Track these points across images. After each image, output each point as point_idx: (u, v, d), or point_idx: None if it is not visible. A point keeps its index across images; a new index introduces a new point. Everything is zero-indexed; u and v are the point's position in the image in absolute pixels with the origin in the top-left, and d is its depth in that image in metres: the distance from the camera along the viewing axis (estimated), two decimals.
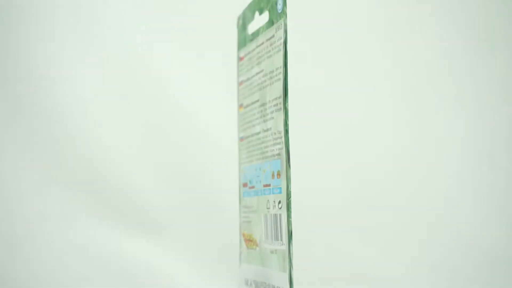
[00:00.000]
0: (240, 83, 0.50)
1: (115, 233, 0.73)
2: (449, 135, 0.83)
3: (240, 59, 0.50)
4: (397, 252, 0.75)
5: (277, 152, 0.42)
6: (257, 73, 0.46)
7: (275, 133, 0.42)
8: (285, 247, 0.41)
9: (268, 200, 0.44)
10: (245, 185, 0.49)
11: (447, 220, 0.78)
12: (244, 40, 0.49)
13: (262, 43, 0.45)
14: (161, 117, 0.77)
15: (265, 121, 0.44)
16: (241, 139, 0.50)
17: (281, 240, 0.41)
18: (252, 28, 0.50)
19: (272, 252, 0.43)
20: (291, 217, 0.40)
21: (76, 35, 0.76)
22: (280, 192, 0.42)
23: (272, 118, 0.43)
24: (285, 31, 0.41)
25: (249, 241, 0.47)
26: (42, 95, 0.75)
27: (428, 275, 0.71)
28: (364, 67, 0.79)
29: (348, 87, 0.78)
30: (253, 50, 0.47)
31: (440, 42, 0.84)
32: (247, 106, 0.48)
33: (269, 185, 0.43)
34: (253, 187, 0.47)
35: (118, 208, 0.75)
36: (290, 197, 0.41)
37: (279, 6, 0.42)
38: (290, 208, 0.40)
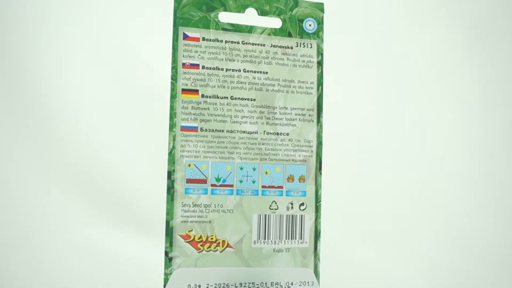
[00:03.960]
0: (192, 66, 0.46)
1: (115, 233, 0.73)
2: (447, 135, 0.80)
3: (187, 37, 0.46)
4: (396, 252, 0.75)
5: (301, 158, 0.48)
6: (250, 71, 0.47)
7: (298, 141, 0.48)
8: (307, 245, 0.48)
9: (274, 201, 0.47)
10: (197, 181, 0.46)
11: (446, 219, 0.77)
12: (204, 21, 0.46)
13: (262, 45, 0.48)
14: (160, 118, 0.67)
15: (271, 124, 0.47)
16: (191, 129, 0.45)
17: (302, 238, 0.48)
18: (232, 18, 0.46)
19: (278, 250, 0.47)
20: (320, 218, 0.49)
21: (77, 35, 0.76)
22: (304, 195, 0.48)
23: (293, 125, 0.48)
24: (321, 54, 0.49)
25: (206, 242, 0.46)
26: (42, 96, 0.75)
27: (427, 275, 0.71)
28: (355, 64, 0.78)
29: (351, 90, 0.78)
30: (233, 42, 0.47)
31: (439, 43, 0.79)
32: (216, 96, 0.46)
33: (279, 187, 0.47)
34: (229, 185, 0.46)
35: (118, 208, 0.74)
36: (320, 200, 0.49)
37: (310, 27, 0.49)
38: (320, 210, 0.49)
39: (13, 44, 0.75)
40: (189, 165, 0.44)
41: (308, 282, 0.46)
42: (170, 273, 0.43)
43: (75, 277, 0.66)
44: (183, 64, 0.44)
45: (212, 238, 0.44)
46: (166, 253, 0.43)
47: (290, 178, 0.46)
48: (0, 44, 0.75)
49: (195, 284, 0.43)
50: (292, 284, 0.45)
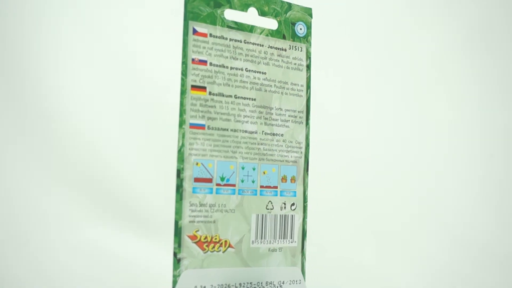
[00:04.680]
0: (200, 62, 0.45)
1: (115, 233, 0.72)
2: (447, 135, 0.80)
3: (196, 32, 0.45)
4: (395, 251, 0.75)
5: (293, 159, 0.49)
6: (249, 70, 0.47)
7: (291, 142, 0.49)
8: (296, 244, 0.50)
9: (270, 201, 0.48)
10: (204, 180, 0.45)
11: (447, 219, 0.77)
12: (211, 17, 0.46)
13: (261, 45, 0.48)
14: (161, 118, 0.75)
15: (268, 124, 0.48)
16: (198, 126, 0.44)
17: (292, 238, 0.49)
18: (236, 16, 0.46)
19: (272, 250, 0.48)
20: (306, 218, 0.51)
21: (77, 35, 0.76)
22: (295, 196, 0.49)
23: (287, 127, 0.49)
24: (309, 58, 0.51)
25: (210, 243, 0.45)
26: (43, 96, 0.75)
27: (428, 274, 0.72)
28: (356, 65, 0.79)
29: (347, 89, 0.79)
30: (236, 40, 0.47)
31: (439, 44, 0.79)
32: (222, 95, 0.46)
33: (275, 187, 0.48)
34: (232, 185, 0.46)
35: (118, 208, 0.74)
36: (307, 201, 0.51)
37: (301, 31, 0.50)
38: (307, 210, 0.51)
39: (15, 43, 0.75)
40: (197, 164, 0.43)
41: (296, 281, 0.47)
42: (179, 275, 0.42)
43: (80, 279, 0.63)
44: (193, 59, 0.43)
45: (216, 238, 0.43)
46: (175, 254, 0.42)
47: (284, 179, 0.47)
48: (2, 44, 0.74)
49: (201, 286, 0.43)
50: (283, 283, 0.46)
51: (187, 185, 0.42)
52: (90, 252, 0.68)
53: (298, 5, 0.48)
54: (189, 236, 0.42)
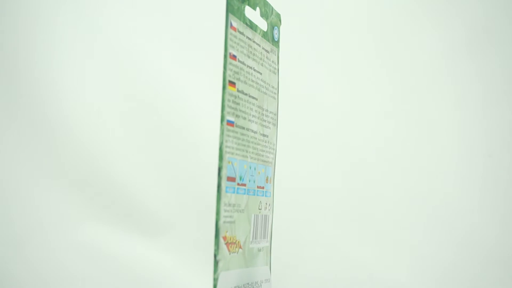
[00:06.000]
0: (233, 57, 0.44)
1: (115, 233, 0.73)
2: (446, 134, 0.80)
3: (231, 26, 0.44)
4: (393, 251, 0.76)
5: (271, 160, 0.51)
6: (255, 70, 0.48)
7: (270, 143, 0.51)
8: (268, 244, 0.52)
9: (260, 202, 0.49)
10: (231, 179, 0.44)
11: (445, 219, 0.77)
12: (238, 11, 0.46)
13: (259, 45, 0.50)
14: (160, 118, 0.77)
15: (262, 126, 0.49)
16: (230, 123, 0.43)
17: (267, 237, 0.52)
18: (250, 14, 0.45)
19: (259, 250, 0.50)
20: (273, 218, 0.53)
21: (78, 35, 0.77)
22: (270, 196, 0.52)
23: (269, 128, 0.51)
24: (279, 63, 0.54)
25: (232, 244, 0.45)
26: (42, 96, 0.76)
27: (425, 274, 0.73)
28: (357, 64, 0.80)
29: (341, 84, 0.81)
30: (249, 38, 0.47)
31: (438, 43, 0.80)
32: (242, 92, 0.46)
33: (262, 187, 0.50)
34: (244, 184, 0.46)
35: (118, 208, 0.74)
36: (273, 201, 0.53)
37: (276, 35, 0.53)
38: (273, 209, 0.53)
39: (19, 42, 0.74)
40: (229, 162, 0.42)
41: (267, 280, 0.49)
42: (217, 278, 0.40)
43: (81, 280, 0.63)
44: (229, 54, 0.42)
45: (234, 239, 0.43)
46: (215, 256, 0.40)
47: (267, 179, 0.48)
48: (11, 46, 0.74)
49: None
50: (262, 282, 0.48)
51: (223, 184, 0.41)
52: (91, 253, 0.68)
53: (275, 10, 0.50)
54: (223, 237, 0.41)
